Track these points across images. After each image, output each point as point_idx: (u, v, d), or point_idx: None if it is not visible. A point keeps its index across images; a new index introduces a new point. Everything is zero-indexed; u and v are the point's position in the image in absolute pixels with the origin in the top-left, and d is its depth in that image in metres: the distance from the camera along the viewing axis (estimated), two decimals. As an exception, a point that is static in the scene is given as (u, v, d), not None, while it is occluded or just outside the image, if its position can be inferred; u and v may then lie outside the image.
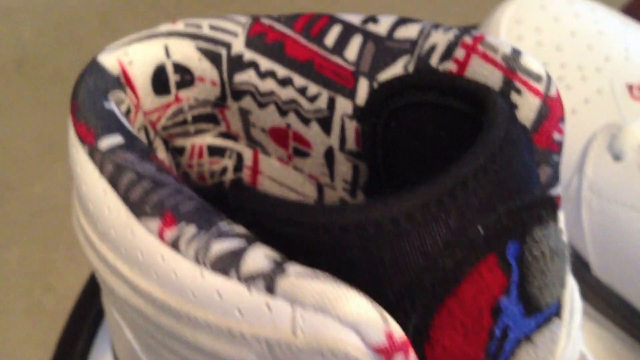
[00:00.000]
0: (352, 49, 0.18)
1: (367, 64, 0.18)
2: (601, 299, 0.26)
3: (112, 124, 0.17)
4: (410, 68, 0.18)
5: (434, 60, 0.17)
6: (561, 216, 0.16)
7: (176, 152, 0.22)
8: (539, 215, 0.15)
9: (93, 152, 0.17)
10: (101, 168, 0.17)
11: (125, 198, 0.16)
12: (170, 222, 0.15)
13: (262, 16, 0.19)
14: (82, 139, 0.17)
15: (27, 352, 0.39)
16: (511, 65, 0.16)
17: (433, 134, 0.18)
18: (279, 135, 0.21)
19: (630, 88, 0.27)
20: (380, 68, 0.18)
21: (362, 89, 0.18)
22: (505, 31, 0.30)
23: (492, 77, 0.17)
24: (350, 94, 0.19)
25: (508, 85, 0.16)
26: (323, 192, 0.22)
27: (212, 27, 0.19)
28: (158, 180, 0.16)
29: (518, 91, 0.16)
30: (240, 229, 0.15)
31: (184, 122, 0.21)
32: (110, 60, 0.19)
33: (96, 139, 0.17)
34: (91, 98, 0.18)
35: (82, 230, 0.18)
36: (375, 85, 0.18)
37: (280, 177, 0.22)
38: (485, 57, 0.17)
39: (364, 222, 0.14)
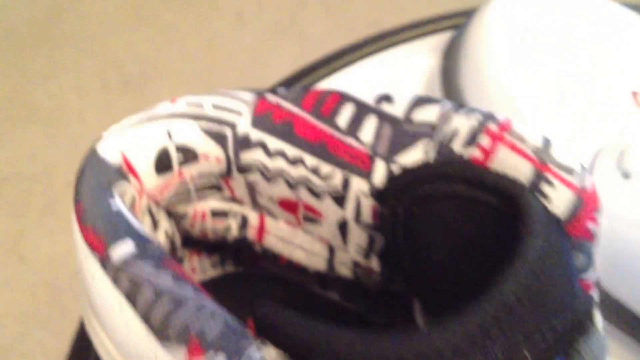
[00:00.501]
0: (368, 131, 0.17)
1: (384, 147, 0.17)
2: (609, 310, 0.27)
3: (122, 228, 0.16)
4: (431, 153, 0.17)
5: (456, 146, 0.17)
6: (598, 316, 0.16)
7: (178, 216, 0.21)
8: (582, 327, 0.15)
9: (105, 263, 0.16)
10: (115, 281, 0.16)
11: (146, 319, 0.15)
12: (197, 351, 0.15)
13: (266, 92, 0.18)
14: (92, 248, 0.16)
15: (8, 326, 0.39)
16: (542, 158, 0.16)
17: (458, 224, 0.17)
18: (288, 205, 0.20)
19: (634, 95, 0.27)
20: (398, 151, 0.17)
21: (380, 171, 0.18)
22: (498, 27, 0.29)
23: (521, 168, 0.16)
24: (367, 175, 0.18)
25: (539, 177, 0.16)
26: (334, 253, 0.21)
27: (215, 107, 0.18)
28: (178, 298, 0.15)
29: (550, 183, 0.16)
30: (270, 353, 0.14)
31: (187, 192, 0.20)
32: (110, 150, 0.18)
33: (107, 248, 0.16)
34: (95, 198, 0.17)
35: (96, 336, 0.18)
36: (394, 168, 0.17)
37: (288, 237, 0.22)
38: (513, 147, 0.16)
39: (406, 357, 0.14)
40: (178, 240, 0.22)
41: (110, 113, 0.47)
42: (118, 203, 0.17)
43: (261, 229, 0.22)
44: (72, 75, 0.48)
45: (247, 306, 0.25)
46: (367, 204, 0.18)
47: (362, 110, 0.17)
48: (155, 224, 0.20)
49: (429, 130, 0.17)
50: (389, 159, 0.17)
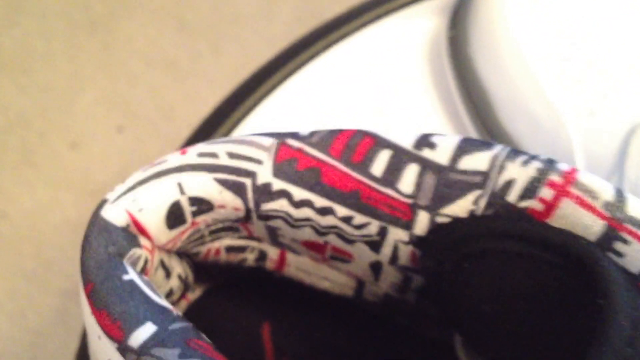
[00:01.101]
0: (408, 181, 0.15)
1: (427, 197, 0.15)
2: None
3: (140, 308, 0.15)
4: (482, 203, 0.15)
5: (512, 197, 0.15)
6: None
7: (190, 255, 0.19)
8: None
9: (125, 351, 0.14)
10: None
11: None
12: None
13: (288, 137, 0.16)
14: (109, 334, 0.15)
15: None
16: (616, 215, 0.14)
17: (514, 280, 0.15)
18: (314, 246, 0.18)
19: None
20: (444, 203, 0.15)
21: (422, 221, 0.16)
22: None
23: (590, 225, 0.14)
24: (407, 225, 0.16)
25: (612, 236, 0.14)
26: (364, 286, 0.19)
27: (232, 155, 0.16)
28: None
29: (624, 241, 0.14)
30: None
31: (201, 237, 0.18)
32: (116, 213, 0.16)
33: (126, 336, 0.14)
34: (106, 276, 0.15)
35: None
36: (439, 219, 0.15)
37: (311, 270, 0.20)
38: (582, 203, 0.14)
39: None
40: (191, 277, 0.20)
41: (79, 56, 0.44)
42: (131, 273, 0.15)
43: (281, 262, 0.20)
44: (37, 20, 0.46)
45: (264, 309, 0.24)
46: (406, 250, 0.17)
47: (400, 157, 0.15)
48: (168, 274, 0.18)
49: (479, 181, 0.15)
50: (433, 210, 0.15)
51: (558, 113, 0.25)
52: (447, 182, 0.15)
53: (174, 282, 0.19)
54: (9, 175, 0.41)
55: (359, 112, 0.28)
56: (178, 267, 0.19)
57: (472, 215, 0.15)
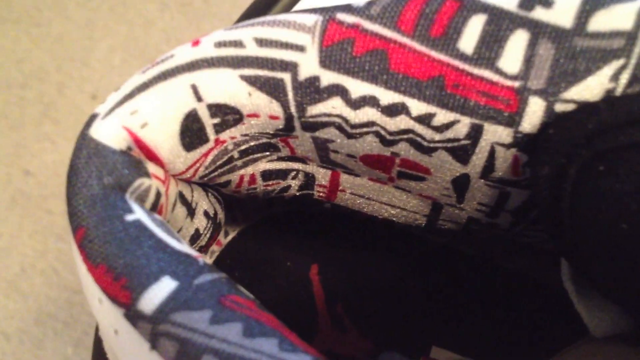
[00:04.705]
0: (513, 55, 0.11)
1: (542, 77, 0.11)
2: None
3: (152, 258, 0.11)
4: (624, 78, 0.10)
5: (669, 66, 0.10)
6: None
7: (218, 186, 0.15)
8: None
9: (134, 318, 0.10)
10: (153, 344, 0.10)
11: None
12: None
13: (338, 10, 0.11)
14: (111, 296, 0.10)
15: (26, 244, 0.36)
16: None
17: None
18: (377, 161, 0.14)
19: None
20: (568, 82, 0.11)
21: (534, 112, 0.11)
22: None
23: None
24: (510, 120, 0.11)
25: None
26: (439, 212, 0.15)
27: (262, 42, 0.12)
28: None
29: None
30: None
31: (229, 160, 0.14)
32: (111, 131, 0.11)
33: (134, 297, 0.10)
34: (104, 217, 0.11)
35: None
36: (560, 107, 0.11)
37: (372, 195, 0.15)
38: None
39: None
40: (222, 214, 0.16)
41: (91, 3, 0.42)
42: (137, 212, 0.11)
43: (333, 187, 0.15)
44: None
45: (311, 249, 0.20)
46: (506, 156, 0.12)
47: (500, 23, 0.11)
48: (191, 211, 0.14)
49: (619, 45, 0.10)
50: (551, 94, 0.11)
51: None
52: (571, 53, 0.11)
53: (200, 222, 0.15)
54: (30, 132, 0.39)
55: None
56: (204, 202, 0.15)
57: (609, 97, 0.11)
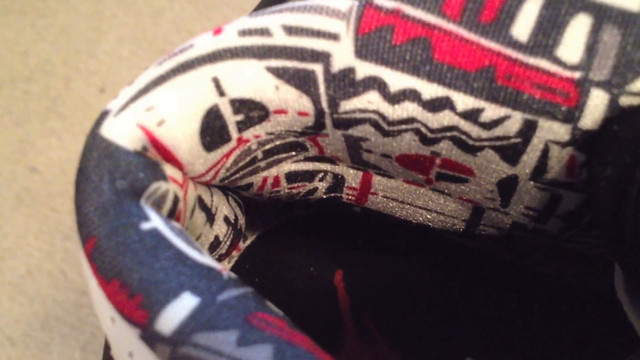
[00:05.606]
0: (574, 43, 0.10)
1: (606, 66, 0.10)
2: None
3: (170, 272, 0.09)
4: (701, 68, 0.09)
5: None
6: None
7: (239, 189, 0.14)
8: None
9: (152, 340, 0.09)
10: None
11: None
12: None
13: (375, -6, 0.10)
14: (125, 314, 0.09)
15: (32, 245, 0.35)
16: None
17: None
18: (415, 161, 0.12)
19: None
20: (635, 72, 0.09)
21: (596, 106, 0.10)
22: None
23: None
24: (569, 115, 0.10)
25: None
26: (481, 216, 0.14)
27: (291, 31, 0.10)
28: None
29: None
30: None
31: (252, 161, 0.13)
32: (124, 130, 0.10)
33: (152, 317, 0.09)
34: (116, 225, 0.10)
35: None
36: (627, 99, 0.10)
37: (407, 199, 0.14)
38: None
39: None
40: (242, 220, 0.15)
41: None
42: (154, 220, 0.10)
43: (364, 189, 0.14)
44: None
45: (335, 254, 0.19)
46: (562, 155, 0.11)
47: (559, 5, 0.10)
48: (210, 217, 0.13)
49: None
50: (615, 85, 0.10)
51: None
52: (639, 40, 0.09)
53: (220, 228, 0.14)
54: (35, 127, 0.37)
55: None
56: (224, 207, 0.14)
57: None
